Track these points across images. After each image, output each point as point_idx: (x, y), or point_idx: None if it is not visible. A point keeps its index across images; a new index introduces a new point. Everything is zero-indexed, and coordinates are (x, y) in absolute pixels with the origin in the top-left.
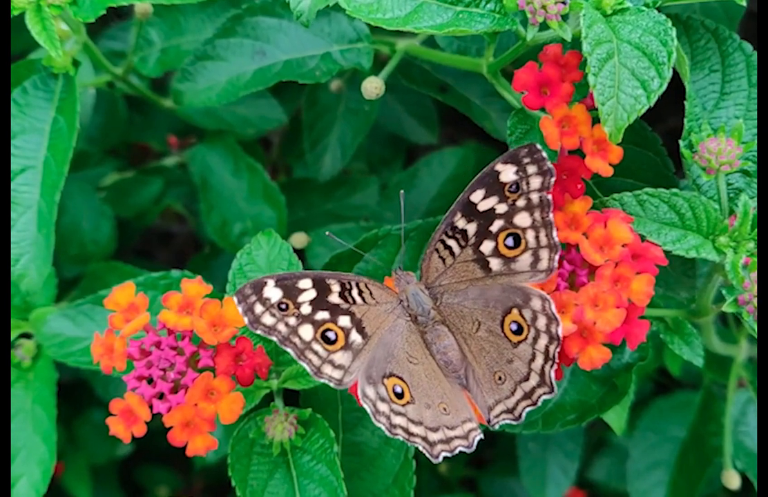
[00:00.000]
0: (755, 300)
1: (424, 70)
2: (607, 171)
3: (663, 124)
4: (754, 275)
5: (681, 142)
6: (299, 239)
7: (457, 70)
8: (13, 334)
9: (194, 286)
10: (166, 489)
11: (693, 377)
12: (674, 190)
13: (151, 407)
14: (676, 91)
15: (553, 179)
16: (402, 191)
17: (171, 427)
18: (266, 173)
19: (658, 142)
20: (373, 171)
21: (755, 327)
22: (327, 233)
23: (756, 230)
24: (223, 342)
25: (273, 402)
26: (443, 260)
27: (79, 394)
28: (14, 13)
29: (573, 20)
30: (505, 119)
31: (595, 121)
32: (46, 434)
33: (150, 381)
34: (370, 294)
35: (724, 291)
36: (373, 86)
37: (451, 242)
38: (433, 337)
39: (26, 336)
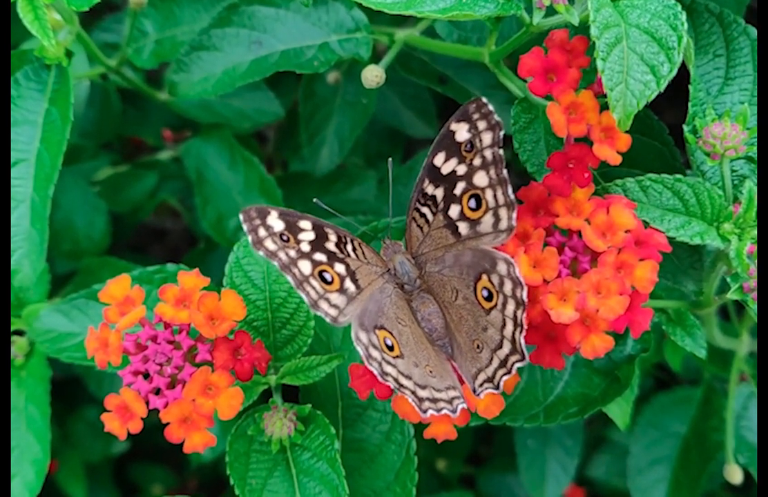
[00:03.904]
0: None
1: (423, 61)
2: (615, 159)
3: (660, 117)
4: None
5: (685, 127)
6: None
7: (458, 60)
8: None
9: (191, 279)
10: (161, 487)
11: (693, 372)
12: (678, 176)
13: (147, 403)
14: (673, 85)
15: (502, 132)
16: (390, 159)
17: (167, 424)
18: (263, 167)
19: (664, 131)
20: (371, 165)
21: None
22: (315, 200)
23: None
24: (221, 336)
25: (272, 398)
26: (421, 228)
27: (73, 391)
28: None
29: (579, 4)
30: (506, 111)
31: (603, 107)
32: (39, 433)
33: (146, 376)
34: (363, 254)
35: (728, 279)
36: (373, 75)
37: (425, 209)
38: (418, 305)
39: (19, 333)
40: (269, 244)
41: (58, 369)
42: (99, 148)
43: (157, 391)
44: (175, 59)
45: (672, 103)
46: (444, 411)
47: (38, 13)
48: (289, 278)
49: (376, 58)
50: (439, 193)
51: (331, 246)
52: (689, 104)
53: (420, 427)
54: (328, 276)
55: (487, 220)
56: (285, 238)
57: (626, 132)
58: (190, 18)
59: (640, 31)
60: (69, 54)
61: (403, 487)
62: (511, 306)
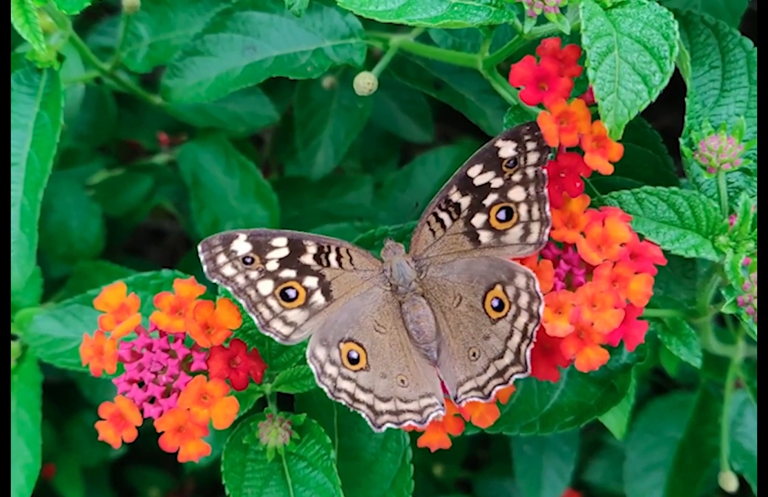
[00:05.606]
0: (755, 302)
1: (418, 66)
2: (607, 168)
3: (656, 121)
4: (754, 275)
5: (681, 140)
6: None
7: (452, 66)
8: None
9: (187, 287)
10: (158, 491)
11: (689, 377)
12: (673, 189)
13: (141, 411)
14: (669, 88)
15: (550, 155)
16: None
17: (162, 432)
18: (258, 171)
19: (658, 139)
20: (367, 169)
21: (755, 328)
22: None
23: (756, 230)
24: (217, 344)
25: (267, 407)
26: (433, 233)
27: (71, 395)
28: None
29: (572, 13)
30: (500, 117)
31: (595, 117)
32: (30, 438)
33: (141, 384)
34: (350, 260)
35: (723, 292)
36: (365, 82)
37: (444, 215)
38: (409, 307)
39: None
40: (226, 270)
41: (55, 373)
42: (94, 152)
43: (152, 400)
44: (168, 64)
45: (668, 106)
46: (408, 423)
47: (29, 17)
48: (242, 301)
49: (371, 63)
50: (465, 201)
51: (307, 259)
52: (686, 117)
53: (415, 434)
54: (291, 293)
55: (515, 232)
56: (249, 260)
57: (619, 140)
58: (184, 22)
59: (632, 41)
60: (60, 58)
61: (399, 495)
62: (522, 319)
